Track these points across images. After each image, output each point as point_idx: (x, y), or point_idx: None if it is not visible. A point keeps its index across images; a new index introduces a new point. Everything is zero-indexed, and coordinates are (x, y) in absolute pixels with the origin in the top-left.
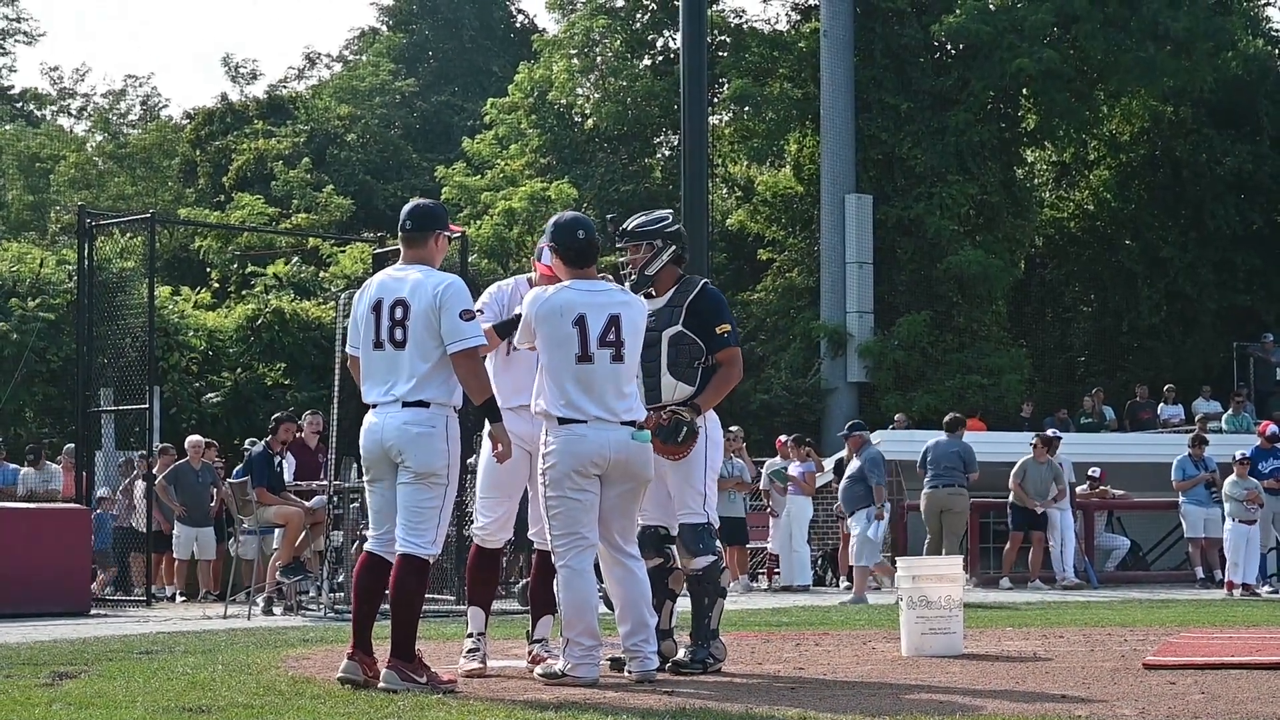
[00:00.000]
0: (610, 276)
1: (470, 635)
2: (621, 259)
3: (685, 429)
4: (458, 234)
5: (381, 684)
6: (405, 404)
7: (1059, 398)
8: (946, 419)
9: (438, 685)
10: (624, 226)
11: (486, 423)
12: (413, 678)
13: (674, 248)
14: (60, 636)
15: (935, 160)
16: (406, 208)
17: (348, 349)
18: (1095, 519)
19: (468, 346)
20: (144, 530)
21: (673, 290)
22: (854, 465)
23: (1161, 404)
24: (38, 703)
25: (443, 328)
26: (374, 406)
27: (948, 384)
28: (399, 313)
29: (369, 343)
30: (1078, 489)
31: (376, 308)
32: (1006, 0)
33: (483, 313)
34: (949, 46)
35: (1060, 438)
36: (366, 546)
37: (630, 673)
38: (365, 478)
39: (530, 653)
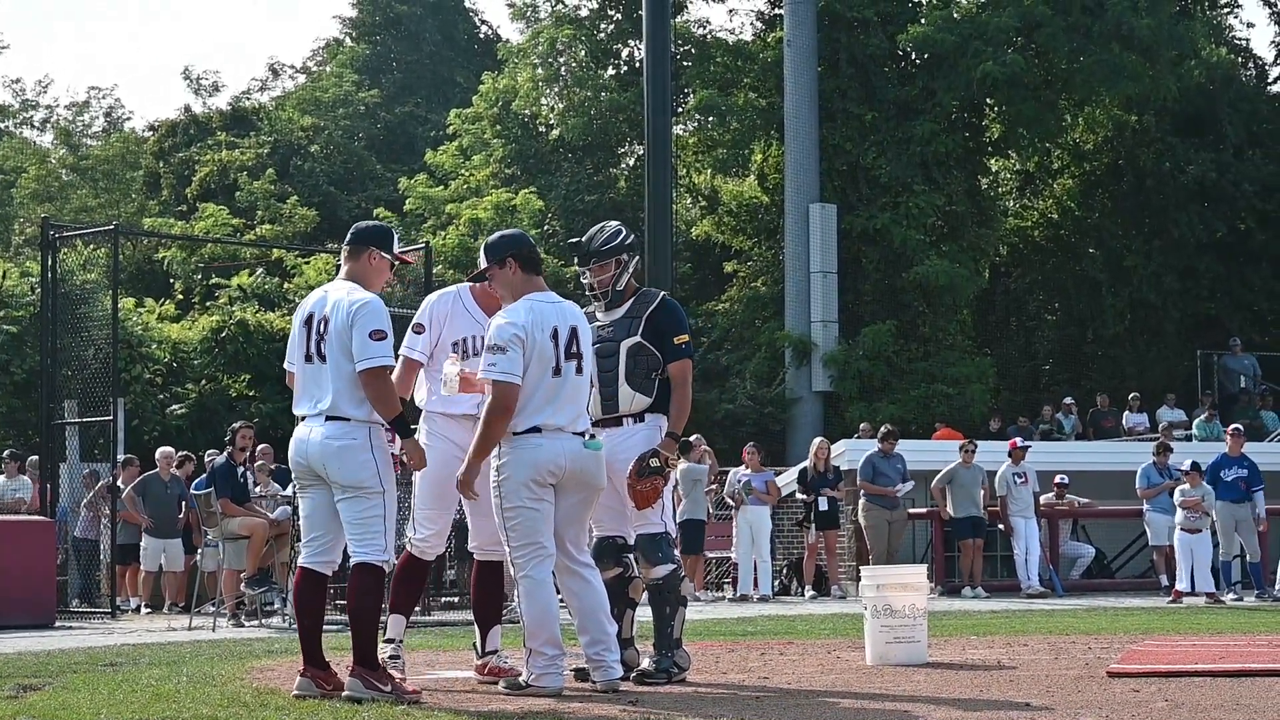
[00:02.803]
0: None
1: (390, 642)
2: (586, 279)
3: (656, 464)
4: (401, 259)
5: (346, 692)
6: (328, 418)
7: (1024, 406)
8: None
9: (402, 694)
10: (589, 248)
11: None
12: (377, 686)
13: (635, 259)
14: (25, 649)
15: (900, 170)
16: (353, 227)
17: (285, 364)
18: (1060, 527)
19: (373, 366)
20: (108, 542)
21: (631, 301)
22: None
23: (1126, 412)
24: (2, 715)
25: (353, 346)
26: (302, 419)
27: (913, 394)
28: (322, 328)
29: (301, 356)
30: (1042, 498)
31: (308, 322)
32: (970, 8)
33: (422, 328)
34: (913, 55)
35: (1029, 446)
36: (300, 562)
37: (595, 682)
38: (297, 487)
39: (485, 664)
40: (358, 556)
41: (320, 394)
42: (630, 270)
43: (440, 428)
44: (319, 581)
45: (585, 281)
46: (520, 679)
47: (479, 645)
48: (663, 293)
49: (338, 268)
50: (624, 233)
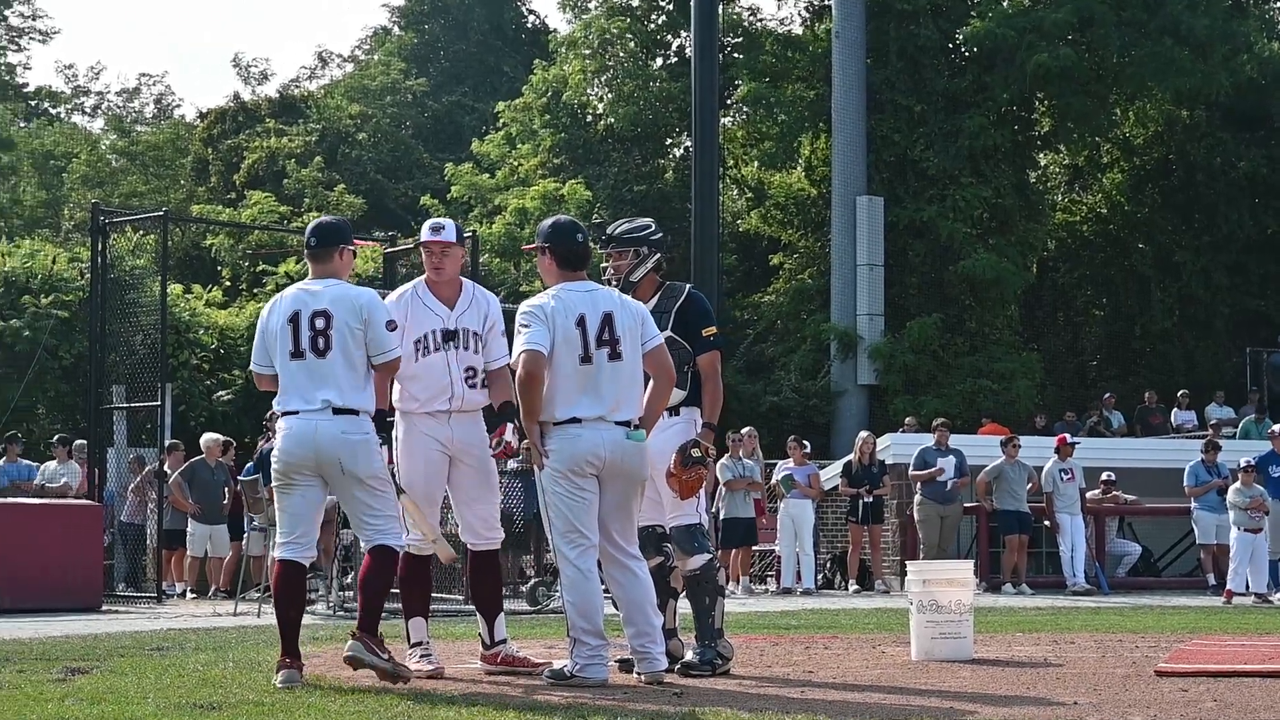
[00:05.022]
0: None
1: (418, 645)
2: (604, 265)
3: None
4: (364, 246)
5: (348, 653)
6: (337, 410)
7: (1070, 402)
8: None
9: (399, 667)
10: (609, 232)
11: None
12: (376, 652)
13: (658, 255)
14: (72, 632)
15: (948, 163)
16: (310, 226)
17: (253, 366)
18: (1106, 524)
19: (392, 358)
20: (154, 527)
21: (657, 296)
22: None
23: (1174, 409)
24: (50, 698)
25: (370, 339)
26: (295, 414)
27: (958, 388)
28: (320, 323)
29: (285, 354)
30: (1088, 494)
31: (294, 319)
32: (1023, 1)
33: (394, 325)
34: (963, 49)
35: (1078, 443)
36: (281, 555)
37: (639, 674)
38: (280, 482)
39: (496, 654)
40: (378, 539)
41: (319, 388)
42: (649, 265)
43: (418, 425)
44: (303, 572)
45: (602, 266)
46: (564, 669)
47: (485, 635)
48: (689, 286)
49: (386, 255)
50: (651, 228)
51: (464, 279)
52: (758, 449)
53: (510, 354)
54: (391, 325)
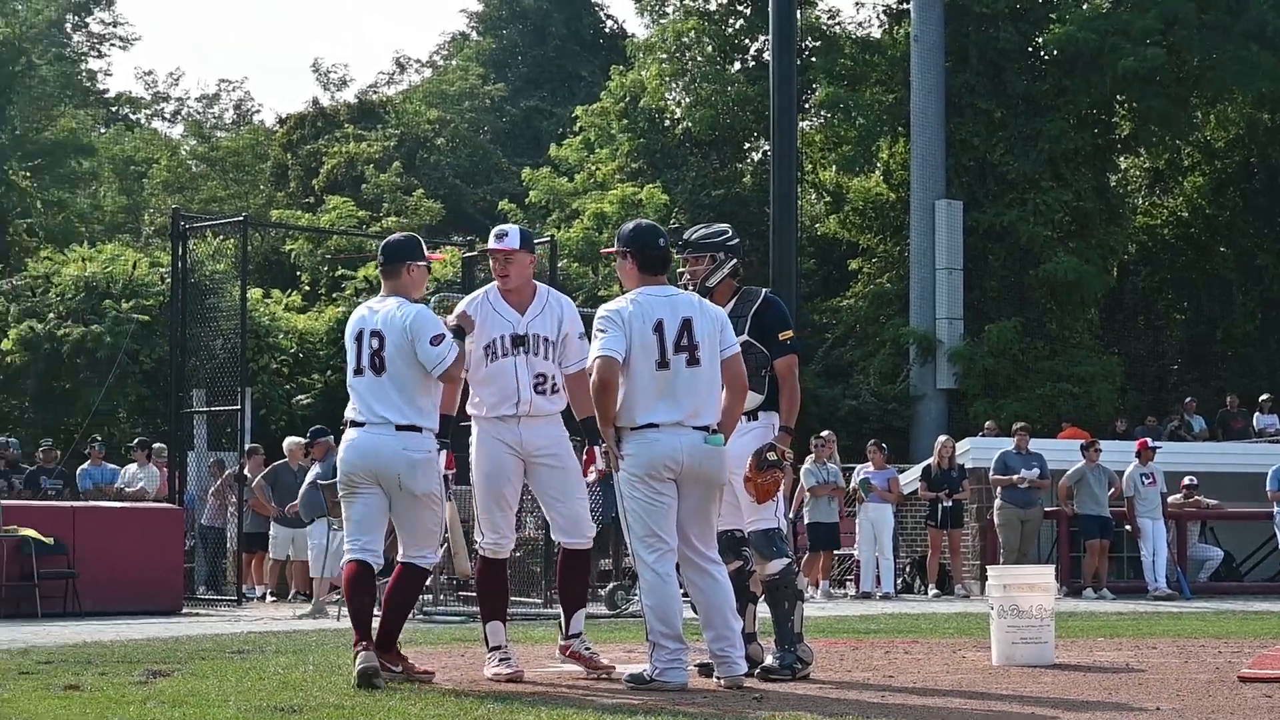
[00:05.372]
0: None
1: (496, 649)
2: (681, 270)
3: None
4: (434, 260)
5: (360, 665)
6: (399, 427)
7: (1151, 406)
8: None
9: (412, 672)
10: (686, 238)
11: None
12: (389, 666)
13: (734, 260)
14: (153, 635)
15: (1028, 167)
16: (382, 244)
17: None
18: (1188, 529)
19: (446, 368)
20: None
21: (733, 301)
22: (319, 468)
23: (1256, 413)
24: (132, 700)
25: (420, 356)
26: (360, 426)
27: (1038, 392)
28: (375, 343)
29: (351, 369)
30: (1170, 499)
31: (358, 337)
32: (1102, 5)
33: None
34: (1042, 52)
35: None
36: (349, 556)
37: (719, 678)
38: (345, 490)
39: (567, 647)
40: (409, 558)
41: (380, 405)
42: (725, 270)
43: (489, 429)
44: (371, 571)
45: (680, 272)
46: (643, 673)
47: (563, 627)
48: (765, 290)
49: (465, 260)
50: (728, 233)
51: (539, 284)
52: (835, 453)
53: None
54: (437, 339)
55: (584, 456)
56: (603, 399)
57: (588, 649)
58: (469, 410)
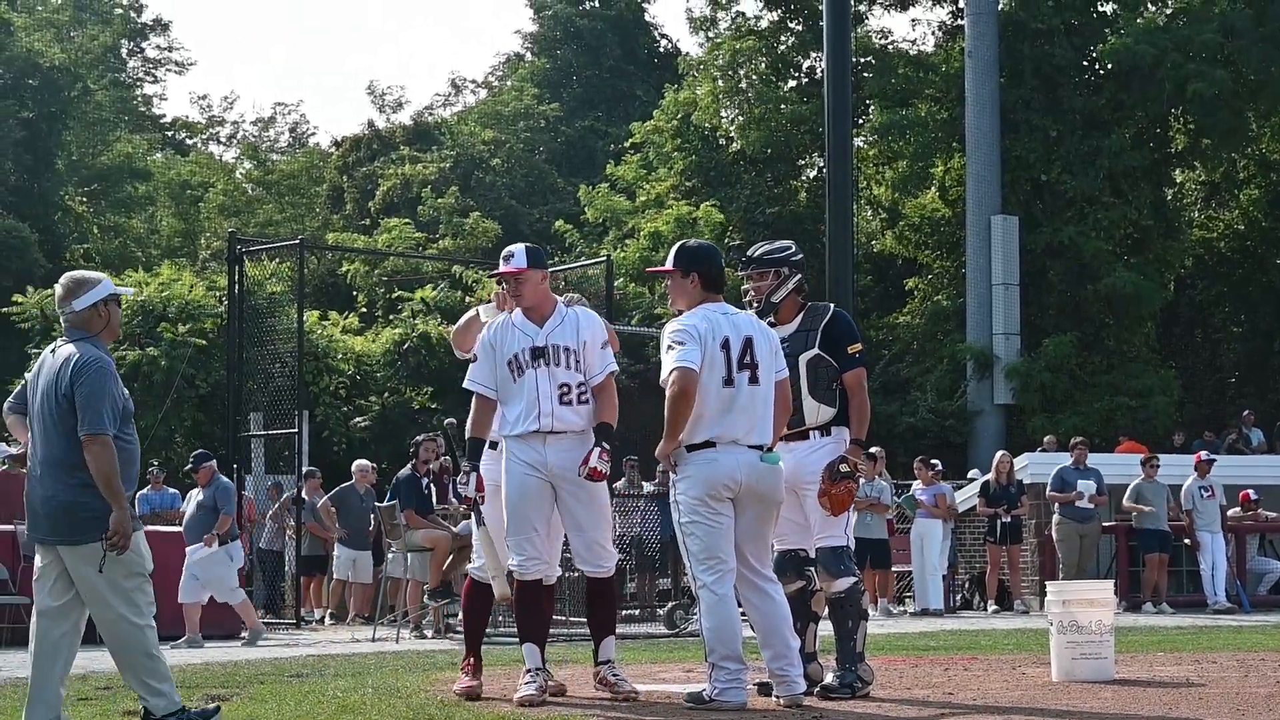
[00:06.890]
0: None
1: (530, 671)
2: (744, 286)
3: (846, 469)
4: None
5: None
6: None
7: (1209, 420)
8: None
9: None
10: (750, 254)
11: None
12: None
13: (799, 276)
14: (212, 659)
15: (1086, 184)
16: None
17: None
18: (1247, 542)
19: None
20: (292, 554)
21: (801, 316)
22: (202, 495)
23: None
24: None
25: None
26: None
27: (1095, 406)
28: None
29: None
30: (1229, 512)
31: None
32: (1157, 18)
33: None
34: (1098, 66)
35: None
36: (472, 575)
37: (778, 698)
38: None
39: (597, 673)
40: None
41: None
42: (790, 285)
43: (515, 451)
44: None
45: (743, 289)
46: (703, 693)
47: (596, 654)
48: (832, 305)
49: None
50: (791, 249)
51: (560, 301)
52: (884, 470)
53: (656, 371)
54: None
55: (584, 457)
56: (680, 409)
57: (615, 674)
58: (494, 430)
